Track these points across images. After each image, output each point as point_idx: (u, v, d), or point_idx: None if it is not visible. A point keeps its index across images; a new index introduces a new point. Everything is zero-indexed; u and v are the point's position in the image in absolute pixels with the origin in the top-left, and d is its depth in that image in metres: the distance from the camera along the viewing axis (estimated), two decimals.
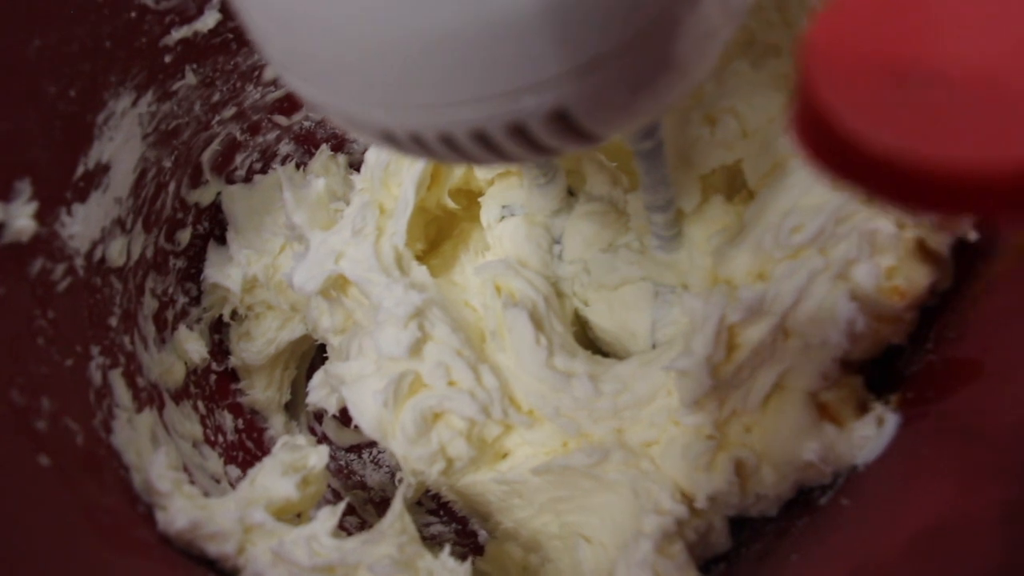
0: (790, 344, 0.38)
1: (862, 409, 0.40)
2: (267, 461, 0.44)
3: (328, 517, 0.41)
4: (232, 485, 0.52)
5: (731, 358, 0.39)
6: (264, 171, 0.61)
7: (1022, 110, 0.15)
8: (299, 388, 0.65)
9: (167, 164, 0.51)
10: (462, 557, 0.42)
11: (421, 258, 0.51)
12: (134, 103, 0.46)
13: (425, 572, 0.40)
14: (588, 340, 0.52)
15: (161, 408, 0.49)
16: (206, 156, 0.56)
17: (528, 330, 0.44)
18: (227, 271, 0.57)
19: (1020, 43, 0.16)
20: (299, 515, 0.44)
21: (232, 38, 0.51)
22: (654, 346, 0.47)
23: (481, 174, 0.52)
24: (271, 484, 0.42)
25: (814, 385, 0.39)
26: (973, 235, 0.36)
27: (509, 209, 0.51)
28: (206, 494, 0.42)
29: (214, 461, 0.52)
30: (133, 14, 0.44)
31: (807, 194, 0.39)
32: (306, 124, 0.61)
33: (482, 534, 0.58)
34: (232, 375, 0.61)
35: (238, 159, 0.59)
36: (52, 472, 0.34)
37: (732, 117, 0.44)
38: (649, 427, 0.43)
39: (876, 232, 0.37)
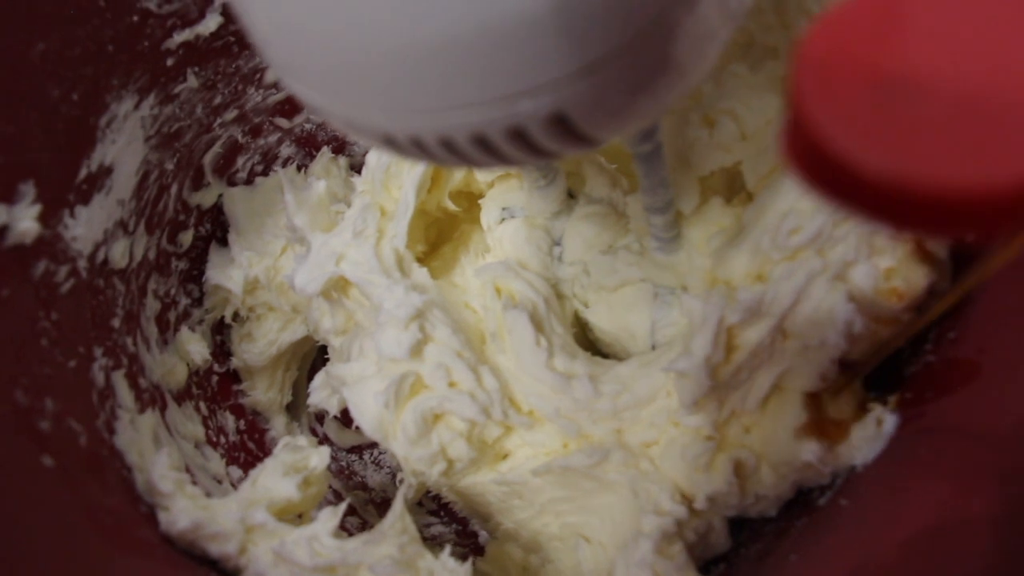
0: (788, 345, 0.39)
1: (861, 410, 0.40)
2: (268, 462, 0.44)
3: (329, 518, 0.41)
4: (234, 486, 0.52)
5: (730, 359, 0.39)
6: (265, 173, 0.61)
7: (1010, 129, 0.15)
8: (300, 389, 0.65)
9: (169, 166, 0.51)
10: (463, 558, 0.42)
11: (422, 260, 0.51)
12: (136, 106, 0.46)
13: (426, 572, 0.41)
14: (588, 341, 0.52)
15: (163, 409, 0.49)
16: (208, 158, 0.56)
17: (528, 331, 0.44)
18: (229, 273, 0.58)
19: (1009, 62, 0.16)
20: (300, 516, 0.45)
21: (234, 41, 0.52)
22: (654, 347, 0.47)
23: (481, 177, 0.52)
24: (272, 485, 0.42)
25: (812, 386, 0.39)
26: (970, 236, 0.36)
27: (509, 211, 0.51)
28: (208, 495, 0.42)
29: (216, 462, 0.53)
30: (135, 18, 0.44)
31: (805, 196, 0.39)
32: (307, 126, 0.62)
33: (483, 535, 0.58)
34: (234, 376, 0.61)
35: (240, 161, 0.59)
36: (55, 472, 0.34)
37: (731, 119, 0.44)
38: (649, 428, 0.43)
39: (874, 234, 0.37)
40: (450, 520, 0.60)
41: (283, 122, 0.60)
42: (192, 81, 0.50)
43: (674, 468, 0.42)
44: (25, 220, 0.37)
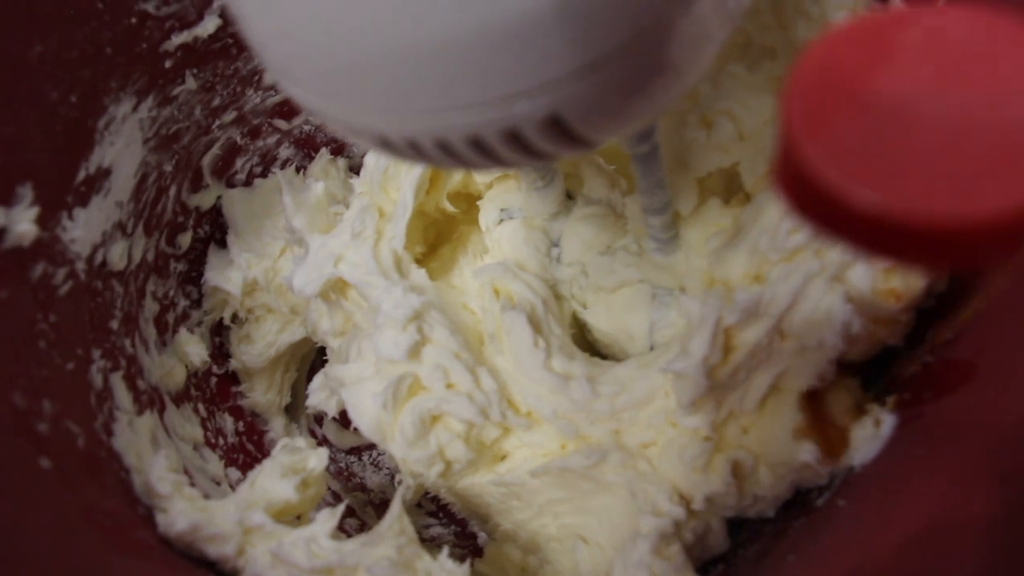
0: (786, 346, 0.39)
1: (859, 411, 0.40)
2: (267, 463, 0.44)
3: (327, 519, 0.41)
4: (232, 487, 0.52)
5: (727, 360, 0.39)
6: (264, 175, 0.61)
7: (1000, 159, 0.15)
8: (299, 391, 0.65)
9: (168, 168, 0.51)
10: (461, 559, 0.42)
11: (420, 261, 0.51)
12: (135, 108, 0.46)
13: (424, 574, 0.41)
14: (586, 342, 0.52)
15: (162, 411, 0.49)
16: (206, 160, 0.56)
17: (526, 333, 0.44)
18: (227, 274, 0.58)
19: (998, 92, 0.16)
20: (299, 517, 0.45)
21: (232, 43, 0.52)
22: (652, 348, 0.47)
23: (480, 178, 0.52)
24: (271, 486, 0.42)
25: (810, 386, 0.39)
26: None
27: (507, 212, 0.51)
28: (206, 496, 0.42)
29: (214, 463, 0.53)
30: (134, 20, 0.44)
31: None
32: (306, 128, 0.62)
33: (481, 536, 0.58)
34: (232, 378, 0.61)
35: (238, 163, 0.59)
36: (53, 474, 0.34)
37: (728, 120, 0.44)
38: (647, 429, 0.43)
39: None
40: (449, 521, 0.60)
41: (282, 124, 0.60)
42: (190, 83, 0.50)
43: (672, 469, 0.42)
44: (23, 222, 0.37)
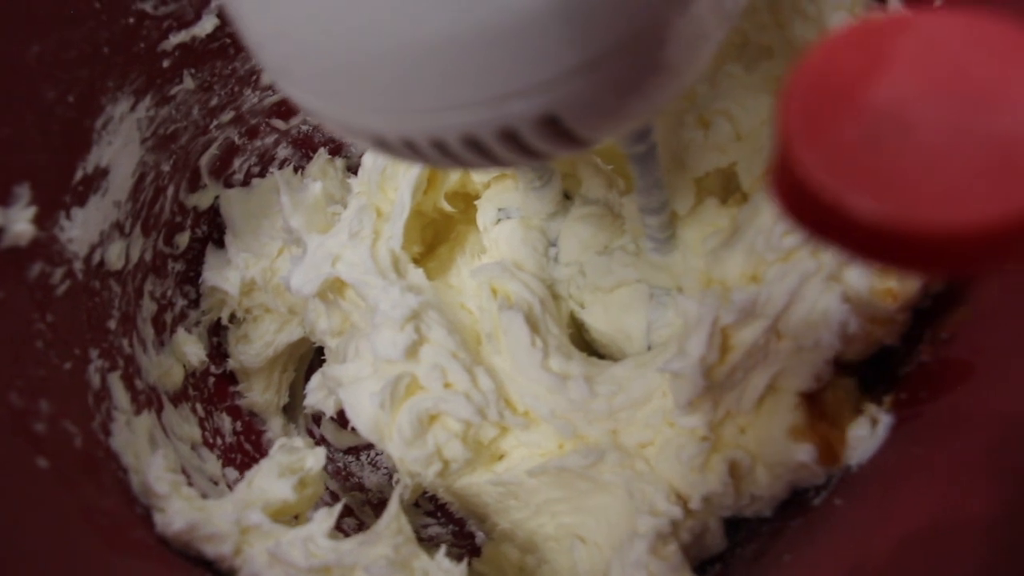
0: (783, 346, 0.39)
1: (856, 410, 0.40)
2: (264, 463, 0.44)
3: (324, 518, 0.41)
4: (230, 487, 0.52)
5: (724, 360, 0.39)
6: (262, 175, 0.61)
7: (997, 166, 0.15)
8: (297, 390, 0.65)
9: (165, 168, 0.51)
10: (459, 558, 0.42)
11: (418, 261, 0.51)
12: (132, 108, 0.46)
13: (421, 573, 0.41)
14: (584, 342, 0.52)
15: (159, 411, 0.49)
16: (204, 160, 0.56)
17: (524, 332, 0.44)
18: (225, 274, 0.58)
19: (994, 98, 0.16)
20: (296, 517, 0.45)
21: (230, 43, 0.52)
22: (650, 348, 0.47)
23: (477, 178, 0.52)
24: (268, 486, 0.42)
25: (807, 386, 0.39)
26: None
27: (505, 212, 0.51)
28: (204, 496, 0.42)
29: (212, 463, 0.53)
30: (131, 19, 0.44)
31: None
32: (304, 128, 0.62)
33: (479, 536, 0.58)
34: (230, 378, 0.61)
35: (236, 163, 0.59)
36: (50, 474, 0.34)
37: (725, 120, 0.44)
38: (644, 428, 0.43)
39: None
40: (447, 521, 0.60)
41: (279, 124, 0.60)
42: (188, 83, 0.50)
43: (669, 469, 0.42)
44: (20, 222, 0.37)
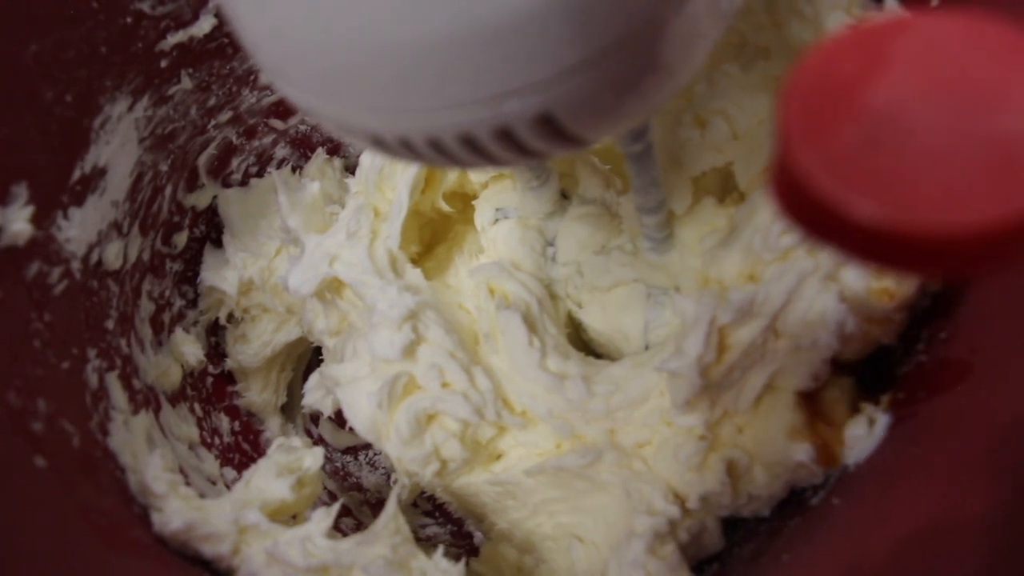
0: (780, 345, 0.39)
1: (853, 409, 0.40)
2: (262, 463, 0.44)
3: (322, 518, 0.41)
4: (228, 487, 0.52)
5: (722, 359, 0.39)
6: (260, 175, 0.61)
7: (997, 168, 0.15)
8: (295, 390, 0.65)
9: (163, 168, 0.51)
10: (457, 558, 0.42)
11: (415, 261, 0.51)
12: (130, 108, 0.46)
13: (419, 573, 0.41)
14: (582, 342, 0.52)
15: (157, 410, 0.49)
16: (202, 160, 0.56)
17: (521, 332, 0.44)
18: (223, 274, 0.58)
19: (994, 100, 0.16)
20: (294, 516, 0.45)
21: (228, 43, 0.52)
22: (647, 347, 0.47)
23: (475, 177, 0.52)
24: (266, 486, 0.42)
25: (805, 386, 0.39)
26: None
27: (503, 212, 0.51)
28: (202, 496, 0.42)
29: (210, 463, 0.53)
30: (129, 19, 0.44)
31: None
32: (302, 128, 0.62)
33: (477, 535, 0.58)
34: (228, 377, 0.61)
35: (234, 163, 0.59)
36: (48, 473, 0.34)
37: (722, 119, 0.44)
38: (642, 428, 0.43)
39: None
40: (445, 521, 0.60)
41: (278, 124, 0.60)
42: (186, 82, 0.50)
43: (667, 468, 0.42)
44: (18, 222, 0.37)
